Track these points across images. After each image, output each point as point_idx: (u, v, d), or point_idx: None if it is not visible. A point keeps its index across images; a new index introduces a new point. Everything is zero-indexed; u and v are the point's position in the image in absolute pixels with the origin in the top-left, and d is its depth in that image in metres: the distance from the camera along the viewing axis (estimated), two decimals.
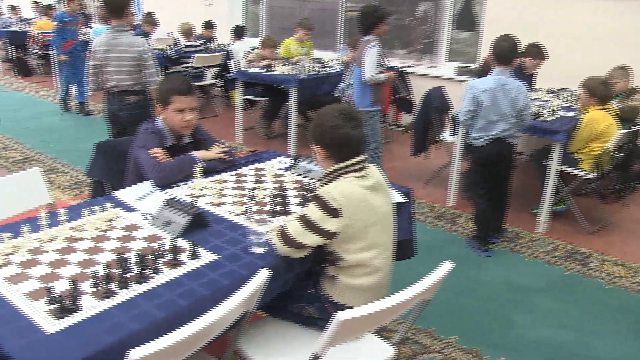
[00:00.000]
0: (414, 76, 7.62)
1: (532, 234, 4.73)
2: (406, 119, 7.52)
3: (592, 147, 4.73)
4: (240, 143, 6.94)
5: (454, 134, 5.41)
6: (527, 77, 5.58)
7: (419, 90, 7.19)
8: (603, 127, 4.65)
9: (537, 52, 5.55)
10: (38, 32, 10.84)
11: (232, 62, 7.35)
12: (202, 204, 2.48)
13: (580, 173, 4.79)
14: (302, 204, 2.52)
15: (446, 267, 2.04)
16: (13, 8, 12.89)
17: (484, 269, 4.10)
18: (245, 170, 3.01)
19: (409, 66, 7.84)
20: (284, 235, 2.08)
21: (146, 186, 2.65)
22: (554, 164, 4.63)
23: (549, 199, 4.73)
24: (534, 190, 5.50)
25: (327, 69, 6.91)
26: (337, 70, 6.91)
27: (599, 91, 4.72)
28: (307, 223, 2.06)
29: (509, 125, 4.08)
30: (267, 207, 2.47)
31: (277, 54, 7.47)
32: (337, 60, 7.59)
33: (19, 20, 12.32)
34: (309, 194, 2.58)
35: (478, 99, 4.07)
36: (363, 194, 2.11)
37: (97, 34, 9.39)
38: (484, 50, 6.97)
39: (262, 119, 7.32)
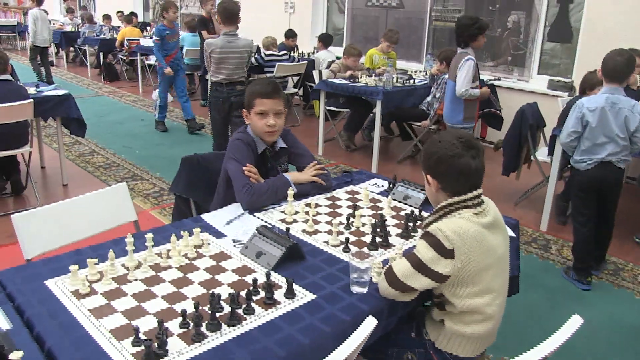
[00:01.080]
0: (502, 90, 7.23)
1: (637, 266, 4.31)
2: (493, 134, 7.14)
3: None
4: (321, 155, 6.77)
5: (550, 154, 5.03)
6: (634, 94, 5.13)
7: (507, 104, 6.83)
8: None
9: None
10: (126, 40, 11.11)
11: (315, 72, 7.19)
12: (295, 231, 2.29)
13: None
14: (404, 236, 2.28)
15: (576, 322, 1.75)
16: (106, 17, 13.28)
17: (585, 305, 3.73)
18: (339, 193, 2.80)
19: (497, 79, 7.46)
20: (390, 275, 1.85)
21: (234, 209, 2.48)
22: None
23: None
24: (639, 216, 5.07)
25: (413, 80, 6.65)
26: (424, 82, 6.64)
27: None
28: (418, 264, 1.81)
29: (618, 148, 3.70)
30: (366, 238, 2.24)
31: (361, 64, 7.27)
32: (422, 71, 7.32)
33: (110, 28, 12.67)
34: (410, 225, 2.33)
35: (585, 119, 3.71)
36: (480, 234, 1.84)
37: (182, 40, 9.59)
38: (580, 64, 6.52)
39: (344, 130, 7.13)
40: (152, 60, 10.24)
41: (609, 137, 3.67)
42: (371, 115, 7.09)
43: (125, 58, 11.64)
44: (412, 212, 2.40)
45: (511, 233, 2.42)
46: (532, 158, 5.26)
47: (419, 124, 6.45)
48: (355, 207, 2.50)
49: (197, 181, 2.96)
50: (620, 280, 4.07)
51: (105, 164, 6.18)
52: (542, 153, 5.25)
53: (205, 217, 2.42)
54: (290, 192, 2.47)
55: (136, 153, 6.63)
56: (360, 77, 6.62)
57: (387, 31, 7.47)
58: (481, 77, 7.35)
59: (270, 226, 2.26)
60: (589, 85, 4.63)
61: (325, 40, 8.55)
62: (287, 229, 2.17)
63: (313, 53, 8.87)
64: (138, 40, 10.99)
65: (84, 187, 5.33)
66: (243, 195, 2.48)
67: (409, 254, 1.86)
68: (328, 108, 6.87)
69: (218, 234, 2.25)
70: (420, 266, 1.81)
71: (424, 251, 1.81)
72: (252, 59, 7.85)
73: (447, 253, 1.78)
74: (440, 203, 1.93)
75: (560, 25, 7.18)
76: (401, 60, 8.49)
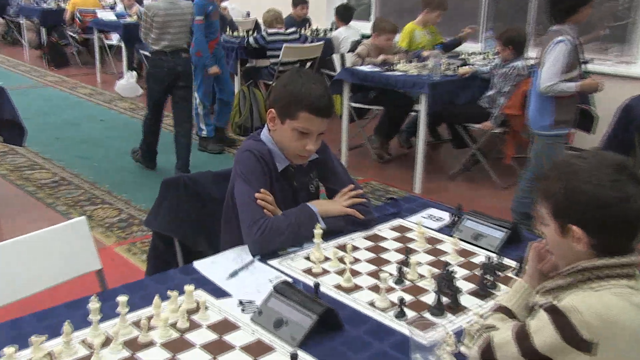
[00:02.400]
0: (596, 76, 7.08)
1: None
2: (582, 139, 6.99)
3: None
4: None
5: None
6: None
7: (602, 97, 6.68)
8: None
9: None
10: (76, 11, 11.07)
11: (336, 56, 7.13)
12: (327, 287, 2.18)
13: None
14: (480, 295, 2.16)
15: None
16: None
17: None
18: (384, 230, 2.70)
19: (585, 62, 7.33)
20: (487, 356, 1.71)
21: (239, 253, 2.40)
22: None
23: None
24: None
25: (470, 67, 6.56)
26: (483, 69, 6.54)
27: None
28: (530, 352, 1.66)
29: None
30: (426, 297, 2.12)
31: (396, 44, 7.20)
32: (481, 54, 7.23)
33: None
34: (488, 279, 2.22)
35: None
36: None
37: None
38: None
39: (375, 135, 7.07)
40: (115, 39, 10.22)
41: None
42: (412, 114, 7.01)
43: (77, 36, 11.62)
44: (489, 259, 2.29)
45: None
46: None
47: (477, 126, 6.36)
48: (408, 252, 2.39)
49: (184, 213, 2.87)
50: None
51: (52, 182, 6.14)
52: None
53: (199, 266, 2.33)
54: (318, 229, 2.37)
55: (95, 166, 6.58)
56: (397, 63, 6.53)
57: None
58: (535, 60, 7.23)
59: (291, 280, 2.16)
60: None
61: (344, 14, 8.51)
62: (317, 285, 2.06)
63: (330, 30, 8.82)
64: (94, 12, 10.96)
65: (22, 217, 5.28)
66: (253, 235, 2.39)
67: (518, 330, 1.71)
68: (354, 105, 6.79)
69: (219, 292, 2.15)
70: (534, 356, 1.66)
71: (544, 333, 1.64)
72: (251, 39, 7.83)
73: (583, 345, 1.62)
74: (578, 262, 1.73)
75: None
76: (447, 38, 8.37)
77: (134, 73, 9.81)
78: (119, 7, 11.21)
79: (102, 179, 6.25)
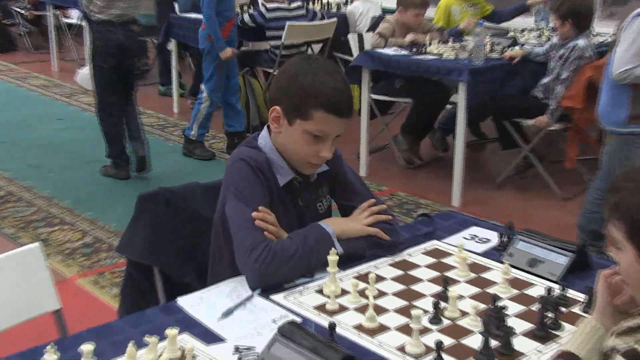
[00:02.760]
0: None
1: None
2: None
3: None
4: (364, 175, 6.68)
5: None
6: None
7: None
8: None
9: None
10: None
11: (352, 36, 7.13)
12: (346, 329, 2.17)
13: None
14: (539, 337, 2.15)
15: None
16: None
17: None
18: (415, 255, 2.68)
19: None
20: None
21: (235, 287, 2.40)
22: None
23: None
24: None
25: (519, 48, 6.55)
26: (538, 50, 6.53)
27: None
28: None
29: None
30: (472, 340, 2.11)
31: (428, 20, 7.21)
32: (535, 31, 7.22)
33: None
34: (549, 316, 2.20)
35: None
36: None
37: None
38: None
39: (402, 134, 7.06)
40: (75, 17, 10.23)
41: None
42: (448, 108, 7.01)
43: (26, 13, 11.64)
44: (550, 291, 2.27)
45: None
46: None
47: (531, 121, 6.33)
48: (446, 282, 2.37)
49: (165, 235, 2.87)
50: None
51: None
52: None
53: (184, 303, 2.32)
54: (334, 255, 2.35)
55: (51, 177, 6.58)
56: (430, 44, 6.53)
57: None
58: (604, 38, 7.23)
59: (300, 321, 2.16)
60: None
61: None
62: (332, 326, 2.05)
63: (345, 5, 8.84)
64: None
65: None
66: (252, 264, 2.38)
67: None
68: (375, 97, 6.78)
69: (209, 337, 2.14)
70: None
71: None
72: (246, 17, 7.85)
73: None
74: None
75: None
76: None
77: None
78: None
79: (60, 192, 6.25)
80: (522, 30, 7.45)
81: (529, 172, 6.71)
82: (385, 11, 8.13)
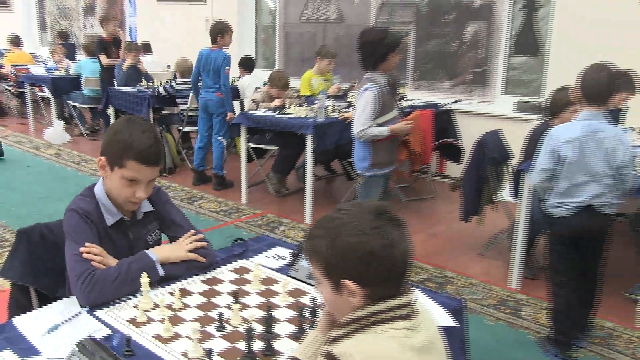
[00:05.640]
0: (463, 115, 7.02)
1: (632, 331, 4.02)
2: (452, 168, 6.89)
3: None
4: (245, 203, 6.39)
5: (515, 196, 4.76)
6: (613, 115, 4.93)
7: (468, 132, 6.59)
8: None
9: (624, 82, 4.92)
10: (11, 66, 10.68)
11: (235, 102, 6.87)
12: (146, 338, 1.88)
13: None
14: (297, 338, 1.90)
15: None
16: None
17: None
18: (224, 273, 2.39)
19: (455, 102, 7.25)
20: None
21: (68, 306, 2.08)
22: None
23: None
24: (628, 264, 4.81)
25: (351, 110, 6.36)
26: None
27: None
28: None
29: (603, 189, 3.41)
30: (241, 344, 1.85)
31: (294, 91, 7.00)
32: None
33: None
34: (308, 319, 1.96)
35: (559, 153, 3.42)
36: None
37: (80, 68, 9.22)
38: (551, 80, 6.35)
39: (273, 172, 6.80)
40: (47, 91, 9.75)
41: (591, 174, 3.38)
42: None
43: (11, 89, 11.13)
44: (314, 300, 2.03)
45: (450, 322, 2.07)
46: (493, 199, 4.99)
47: None
48: (236, 294, 2.08)
49: (40, 260, 2.54)
50: (611, 352, 3.76)
51: None
52: (509, 192, 4.99)
53: (18, 322, 1.98)
54: (145, 278, 2.07)
55: (10, 211, 6.12)
56: (288, 107, 6.31)
57: (320, 48, 7.25)
58: (435, 99, 7.17)
59: (109, 333, 1.87)
60: (559, 106, 4.37)
61: (246, 65, 8.25)
62: (128, 339, 1.77)
63: (238, 78, 8.57)
64: (27, 67, 10.55)
65: None
66: (79, 289, 2.08)
67: None
68: (252, 146, 6.53)
69: (29, 352, 1.81)
70: None
71: None
72: (161, 89, 7.52)
73: None
74: (354, 311, 1.49)
75: (526, 35, 7.03)
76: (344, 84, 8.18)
77: (62, 122, 9.36)
78: (50, 62, 10.79)
79: (13, 222, 5.75)
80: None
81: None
82: (265, 83, 7.85)
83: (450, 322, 2.06)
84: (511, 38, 7.14)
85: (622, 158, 3.35)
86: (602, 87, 3.37)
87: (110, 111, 8.15)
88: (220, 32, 6.55)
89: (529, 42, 7.04)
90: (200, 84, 6.86)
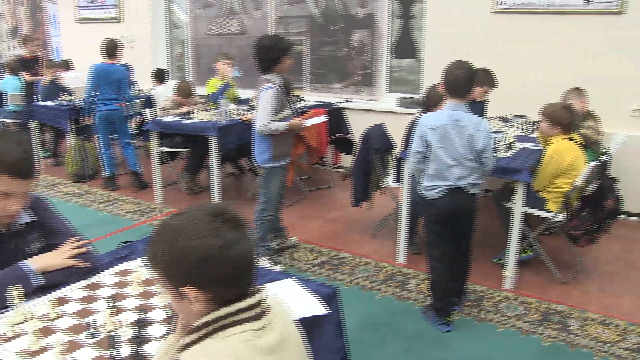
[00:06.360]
0: (354, 112, 6.90)
1: (499, 292, 3.99)
2: (347, 160, 6.77)
3: (558, 184, 4.09)
4: (161, 202, 6.05)
5: (397, 181, 4.66)
6: (478, 106, 4.90)
7: (360, 126, 6.44)
8: (569, 160, 4.04)
9: (486, 78, 4.91)
10: None
11: (147, 110, 6.49)
12: (13, 353, 1.61)
13: (547, 215, 4.11)
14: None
15: None
16: None
17: (447, 348, 3.34)
18: (105, 277, 2.11)
19: (346, 101, 7.13)
20: None
21: None
22: (518, 208, 3.91)
23: (515, 249, 4.00)
24: (494, 234, 4.81)
25: (252, 112, 6.12)
26: None
27: (562, 118, 4.09)
28: None
29: (466, 171, 3.33)
30: (120, 350, 1.60)
31: (196, 99, 6.69)
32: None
33: None
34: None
35: (426, 138, 3.33)
36: None
37: (4, 85, 8.57)
38: (427, 79, 6.33)
39: (184, 172, 6.47)
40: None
41: (455, 158, 3.31)
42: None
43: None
44: None
45: (322, 310, 1.88)
46: (380, 185, 4.88)
47: None
48: (113, 299, 1.82)
49: None
50: (482, 312, 3.72)
51: None
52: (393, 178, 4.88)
53: None
54: (16, 290, 1.78)
55: None
56: (195, 112, 6.01)
57: (217, 55, 6.93)
58: (329, 99, 7.03)
59: None
60: (432, 101, 4.31)
61: (158, 75, 7.87)
62: None
63: (151, 90, 8.16)
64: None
65: None
66: None
67: None
68: (164, 149, 6.19)
69: None
70: None
71: None
72: (79, 101, 7.05)
73: None
74: (201, 316, 1.29)
75: (405, 41, 7.01)
76: (249, 89, 7.92)
77: None
78: None
79: None
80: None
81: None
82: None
83: (322, 310, 1.88)
84: (392, 44, 7.10)
85: (482, 144, 3.29)
86: (462, 81, 3.29)
87: (33, 124, 7.59)
88: (116, 47, 6.36)
89: (407, 47, 7.02)
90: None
